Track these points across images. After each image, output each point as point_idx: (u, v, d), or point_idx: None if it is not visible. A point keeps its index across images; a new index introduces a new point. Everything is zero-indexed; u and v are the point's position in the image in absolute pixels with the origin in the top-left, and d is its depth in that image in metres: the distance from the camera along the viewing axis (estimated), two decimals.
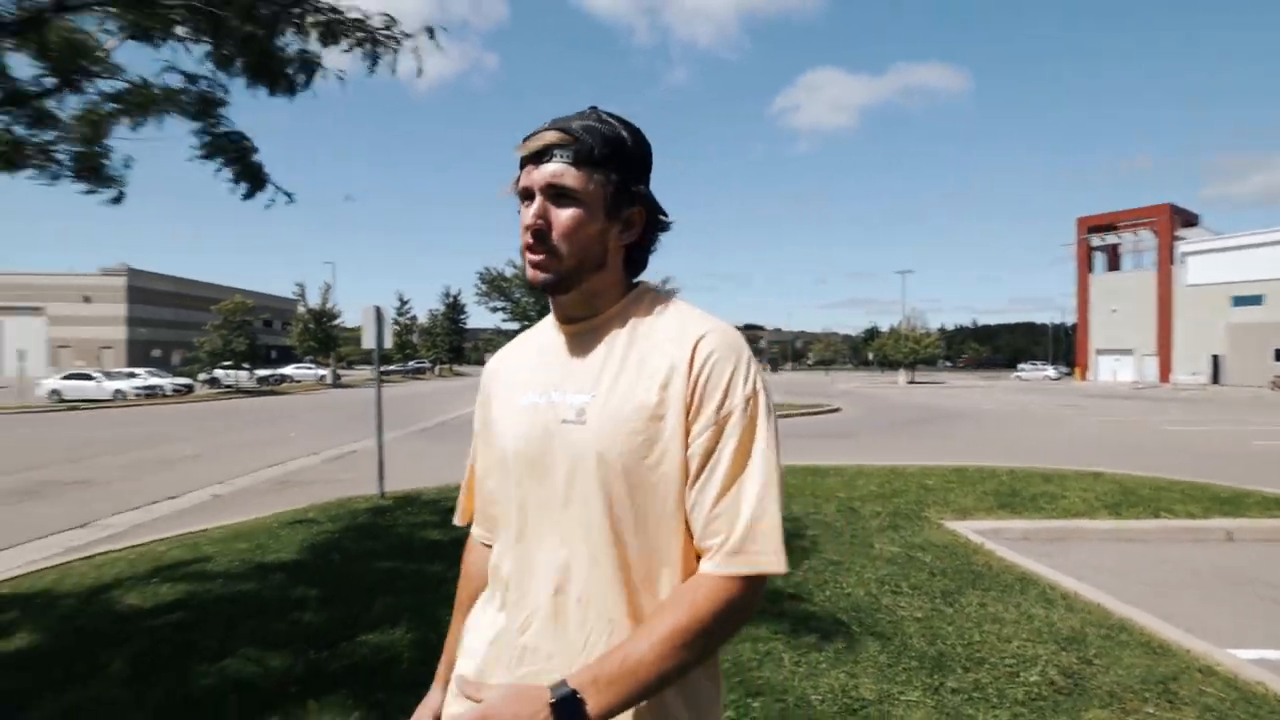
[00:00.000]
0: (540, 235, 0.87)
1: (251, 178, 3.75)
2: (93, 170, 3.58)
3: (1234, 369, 42.90)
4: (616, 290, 0.94)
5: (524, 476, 0.90)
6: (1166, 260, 48.02)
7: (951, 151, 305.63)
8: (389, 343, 7.38)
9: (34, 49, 3.08)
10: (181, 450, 11.67)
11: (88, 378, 25.22)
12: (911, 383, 46.92)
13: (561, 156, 0.86)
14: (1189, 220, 50.38)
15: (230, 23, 3.30)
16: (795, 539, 5.02)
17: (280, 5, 3.32)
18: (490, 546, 1.01)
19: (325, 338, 36.03)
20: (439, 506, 6.33)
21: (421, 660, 2.95)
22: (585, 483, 0.84)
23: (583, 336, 0.93)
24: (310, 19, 3.45)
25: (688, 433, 0.83)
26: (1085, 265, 53.79)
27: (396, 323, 54.27)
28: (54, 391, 25.18)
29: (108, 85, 3.41)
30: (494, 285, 26.45)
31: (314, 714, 2.56)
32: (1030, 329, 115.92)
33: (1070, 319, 55.37)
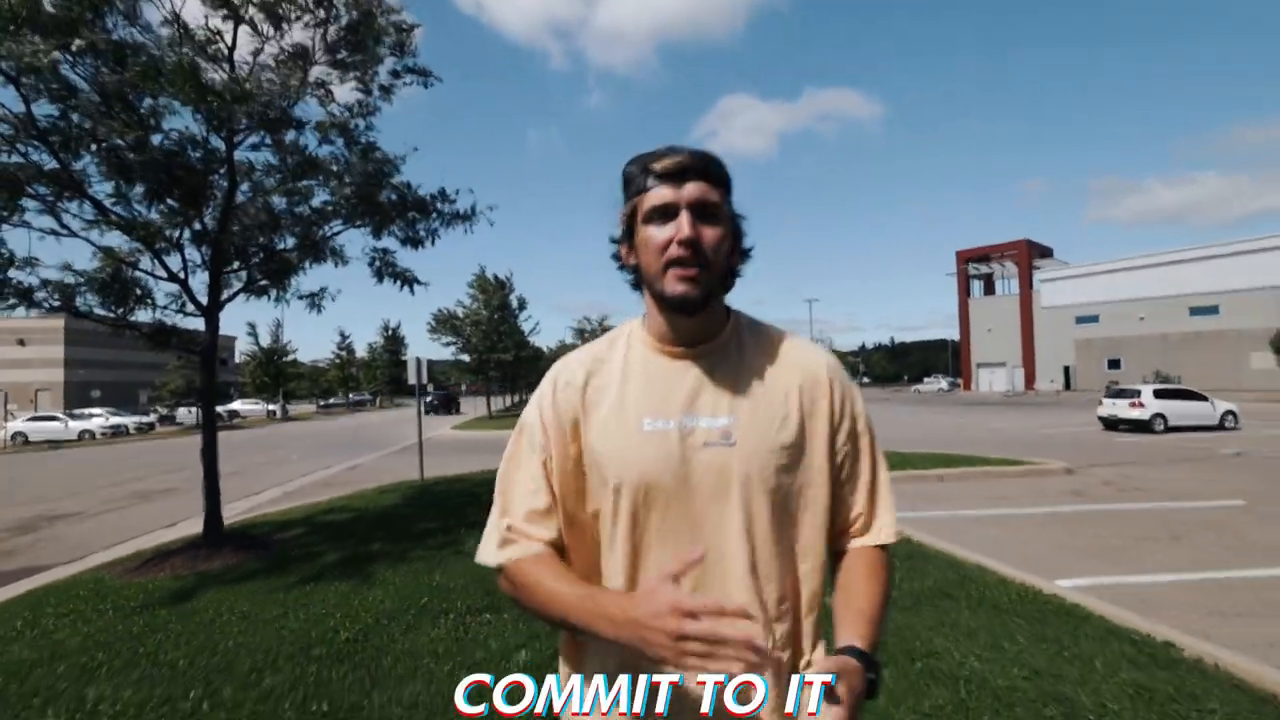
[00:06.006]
0: (695, 247, 0.87)
1: (407, 283, 6.93)
2: (314, 300, 7.06)
3: (1081, 377, 51.13)
4: (723, 314, 0.99)
5: (655, 501, 0.91)
6: (1026, 286, 56.51)
7: (870, 173, 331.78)
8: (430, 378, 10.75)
9: (315, 255, 6.58)
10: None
11: (53, 419, 26.26)
12: None
13: (700, 177, 0.89)
14: (1044, 252, 59.45)
15: (389, 222, 6.77)
16: None
17: (421, 216, 6.77)
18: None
19: (276, 374, 37.75)
20: (463, 482, 9.87)
21: None
22: (728, 500, 0.90)
23: (702, 360, 0.96)
24: (437, 219, 6.83)
25: (832, 442, 0.97)
26: (964, 291, 62.05)
27: (338, 357, 55.68)
28: (18, 434, 25.50)
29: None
30: (445, 323, 29.55)
31: (468, 544, 6.09)
32: (941, 345, 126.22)
33: None
